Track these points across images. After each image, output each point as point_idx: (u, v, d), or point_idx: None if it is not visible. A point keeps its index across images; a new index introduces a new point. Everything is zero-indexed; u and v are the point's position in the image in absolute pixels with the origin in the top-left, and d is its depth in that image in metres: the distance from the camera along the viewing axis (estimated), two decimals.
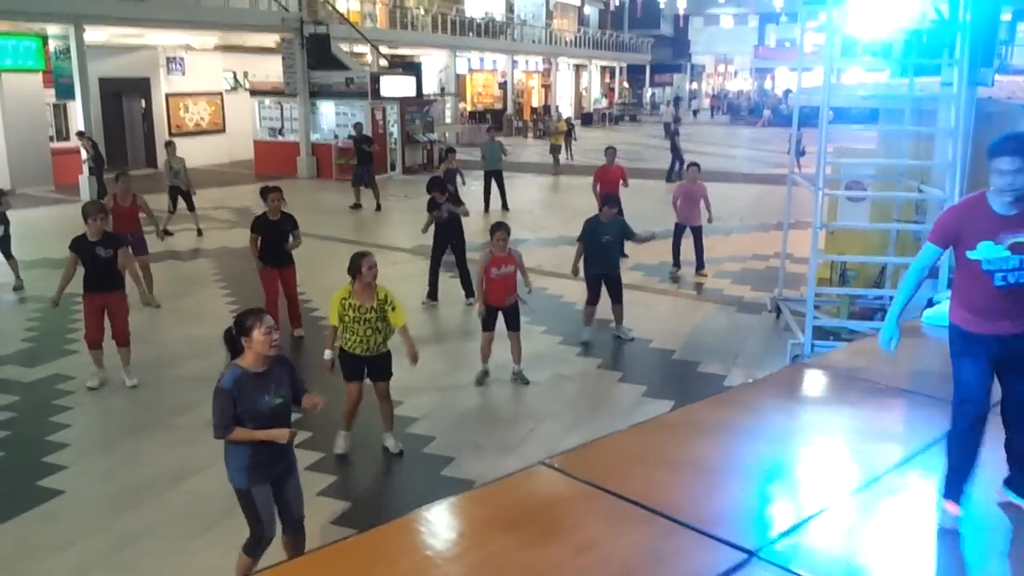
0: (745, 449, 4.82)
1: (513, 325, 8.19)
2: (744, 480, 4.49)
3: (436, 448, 6.74)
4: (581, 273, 9.44)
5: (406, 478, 6.38)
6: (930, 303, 7.21)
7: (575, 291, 11.36)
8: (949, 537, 3.94)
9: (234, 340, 4.55)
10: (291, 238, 9.14)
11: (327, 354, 6.43)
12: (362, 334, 6.31)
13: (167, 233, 14.47)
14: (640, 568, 3.64)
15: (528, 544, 3.80)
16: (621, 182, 13.67)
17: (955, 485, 3.91)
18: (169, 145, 15.54)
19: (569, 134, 29.10)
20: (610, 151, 14.35)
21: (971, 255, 3.78)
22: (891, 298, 8.96)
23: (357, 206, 18.45)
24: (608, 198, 9.70)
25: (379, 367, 6.55)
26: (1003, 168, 3.62)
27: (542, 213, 18.55)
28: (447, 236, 10.89)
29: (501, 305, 8.08)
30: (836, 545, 3.91)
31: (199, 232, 15.14)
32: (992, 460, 4.09)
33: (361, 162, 18.60)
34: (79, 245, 7.83)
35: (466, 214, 11.01)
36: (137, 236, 10.55)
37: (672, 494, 4.26)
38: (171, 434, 7.00)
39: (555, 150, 25.90)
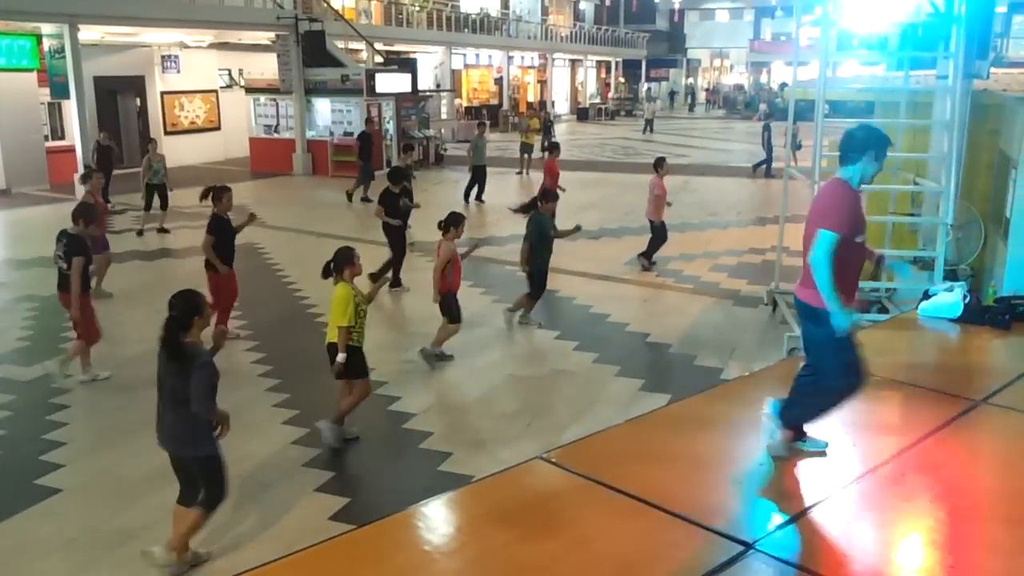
0: (742, 442, 4.84)
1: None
2: (741, 473, 4.50)
3: (434, 443, 6.74)
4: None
5: (404, 473, 6.38)
6: (926, 295, 7.23)
7: (571, 287, 11.38)
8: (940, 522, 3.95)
9: (184, 321, 4.75)
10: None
11: (341, 357, 6.32)
12: (362, 325, 6.41)
13: (140, 233, 14.87)
14: (638, 561, 3.65)
15: (526, 538, 3.80)
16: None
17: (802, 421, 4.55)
18: (151, 142, 15.66)
19: (547, 132, 27.30)
20: (554, 147, 15.09)
21: (860, 239, 4.36)
22: (887, 290, 9.02)
23: (367, 199, 18.52)
24: (547, 193, 9.83)
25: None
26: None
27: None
28: (402, 230, 11.05)
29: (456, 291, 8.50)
30: (833, 536, 3.92)
31: (163, 230, 15.12)
32: None
33: (365, 158, 19.27)
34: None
35: (409, 208, 11.13)
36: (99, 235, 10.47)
37: (670, 487, 4.27)
38: None
39: (525, 149, 23.50)
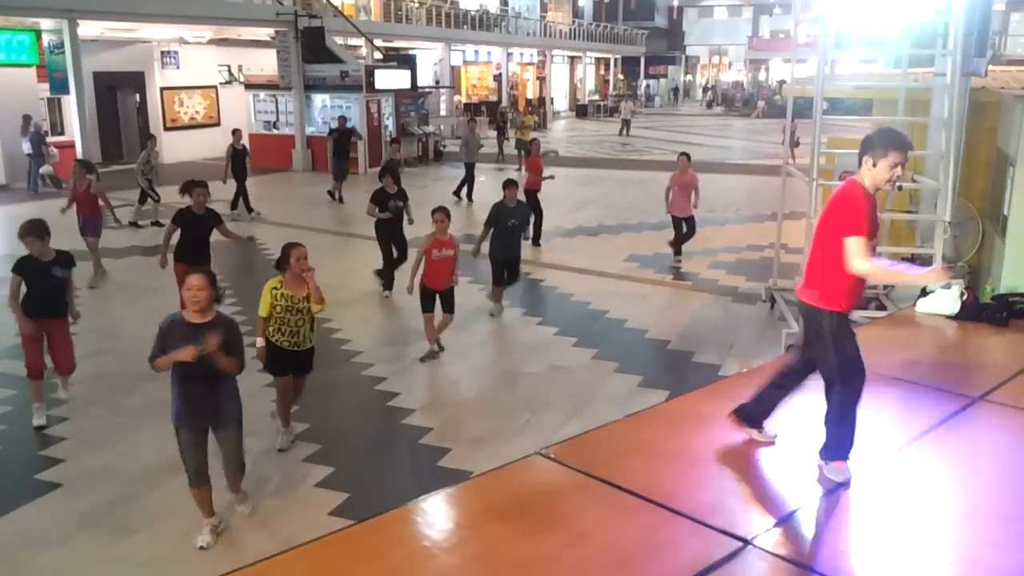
0: (740, 438, 4.85)
1: (448, 308, 8.47)
2: (738, 469, 4.52)
3: (432, 439, 6.75)
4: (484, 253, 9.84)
5: (403, 469, 6.39)
6: (924, 292, 7.25)
7: (569, 283, 11.39)
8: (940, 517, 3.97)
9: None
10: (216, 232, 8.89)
11: (259, 341, 6.29)
12: (293, 325, 6.24)
13: (158, 224, 14.79)
14: (636, 557, 3.66)
15: (525, 534, 3.82)
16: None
17: (848, 447, 4.30)
18: (151, 139, 15.69)
19: (501, 132, 26.60)
20: (535, 143, 15.46)
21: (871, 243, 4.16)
22: (884, 286, 9.03)
23: (340, 200, 18.30)
24: (507, 181, 10.01)
25: (305, 362, 6.53)
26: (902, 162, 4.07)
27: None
28: (393, 229, 10.63)
29: (438, 288, 8.31)
30: (830, 532, 3.94)
31: (135, 224, 14.94)
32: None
33: (339, 155, 18.92)
34: (25, 266, 6.91)
35: (408, 215, 10.73)
36: (94, 217, 11.55)
37: (667, 483, 4.28)
38: (166, 427, 6.92)
39: (521, 146, 22.84)
